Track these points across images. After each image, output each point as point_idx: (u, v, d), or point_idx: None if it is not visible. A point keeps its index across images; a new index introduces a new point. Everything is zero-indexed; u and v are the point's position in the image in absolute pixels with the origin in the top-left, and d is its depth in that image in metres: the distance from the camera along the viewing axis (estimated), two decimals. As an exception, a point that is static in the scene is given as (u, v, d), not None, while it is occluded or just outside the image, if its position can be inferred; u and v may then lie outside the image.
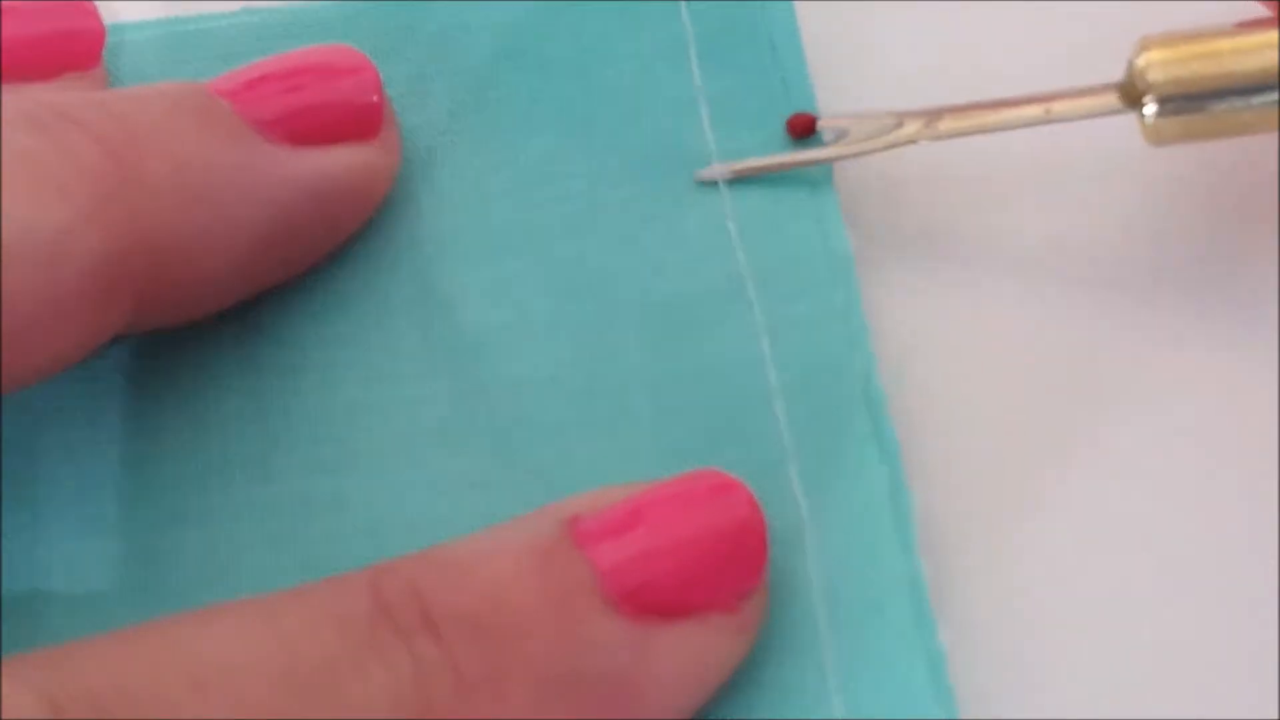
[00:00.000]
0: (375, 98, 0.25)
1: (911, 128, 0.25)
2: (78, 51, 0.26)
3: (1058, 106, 0.24)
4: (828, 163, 0.25)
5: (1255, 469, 0.23)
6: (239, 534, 0.23)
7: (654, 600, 0.20)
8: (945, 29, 0.27)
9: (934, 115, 0.25)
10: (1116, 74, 0.23)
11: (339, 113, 0.24)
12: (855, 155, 0.25)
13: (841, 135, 0.25)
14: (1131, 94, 0.23)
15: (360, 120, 0.25)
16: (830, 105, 0.26)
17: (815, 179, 0.25)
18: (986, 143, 0.25)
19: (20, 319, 0.20)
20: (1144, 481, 0.23)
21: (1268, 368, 0.24)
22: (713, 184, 0.25)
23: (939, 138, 0.24)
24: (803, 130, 0.25)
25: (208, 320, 0.25)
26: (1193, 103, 0.23)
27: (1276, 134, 0.23)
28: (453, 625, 0.19)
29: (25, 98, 0.22)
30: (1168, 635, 0.22)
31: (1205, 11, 0.24)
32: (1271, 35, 0.23)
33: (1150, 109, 0.23)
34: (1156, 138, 0.23)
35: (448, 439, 0.24)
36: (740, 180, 0.25)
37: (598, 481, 0.23)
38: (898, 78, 0.27)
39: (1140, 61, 0.23)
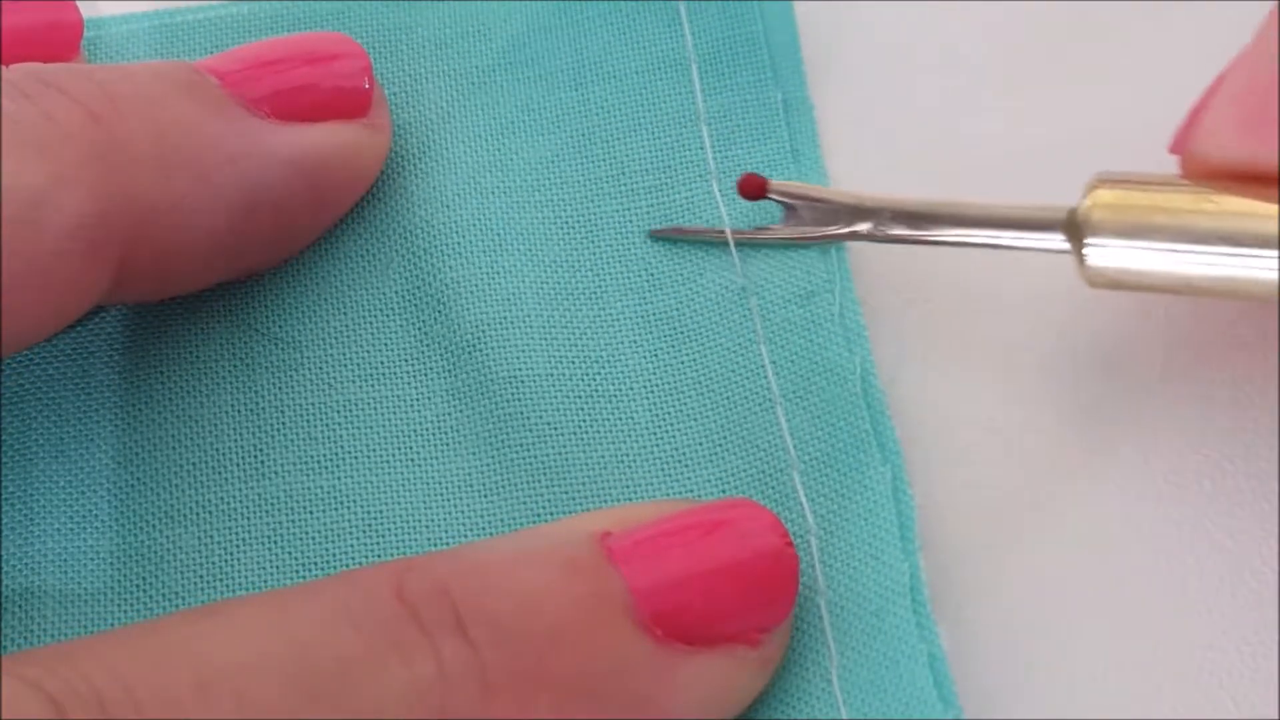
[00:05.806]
0: (366, 82, 0.25)
1: (861, 227, 0.24)
2: (57, 42, 0.25)
3: (1006, 238, 0.23)
4: (769, 242, 0.24)
5: (1258, 470, 0.23)
6: (234, 531, 0.23)
7: (685, 626, 0.20)
8: (946, 30, 0.27)
9: (884, 220, 0.23)
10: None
11: (327, 93, 0.24)
12: (799, 240, 0.24)
13: (791, 211, 0.24)
14: (1075, 230, 0.22)
15: (348, 99, 0.24)
16: (829, 110, 0.26)
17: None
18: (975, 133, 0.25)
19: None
20: (1145, 482, 0.23)
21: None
22: (710, 197, 0.25)
23: (886, 241, 0.24)
24: (752, 192, 0.24)
25: (200, 315, 0.24)
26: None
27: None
28: (483, 627, 0.19)
29: (10, 68, 0.22)
30: (1168, 635, 0.22)
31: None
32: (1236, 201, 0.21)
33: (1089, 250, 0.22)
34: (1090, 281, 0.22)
35: (444, 438, 0.24)
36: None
37: (595, 484, 0.23)
38: (899, 82, 0.27)
39: (1087, 201, 0.22)
